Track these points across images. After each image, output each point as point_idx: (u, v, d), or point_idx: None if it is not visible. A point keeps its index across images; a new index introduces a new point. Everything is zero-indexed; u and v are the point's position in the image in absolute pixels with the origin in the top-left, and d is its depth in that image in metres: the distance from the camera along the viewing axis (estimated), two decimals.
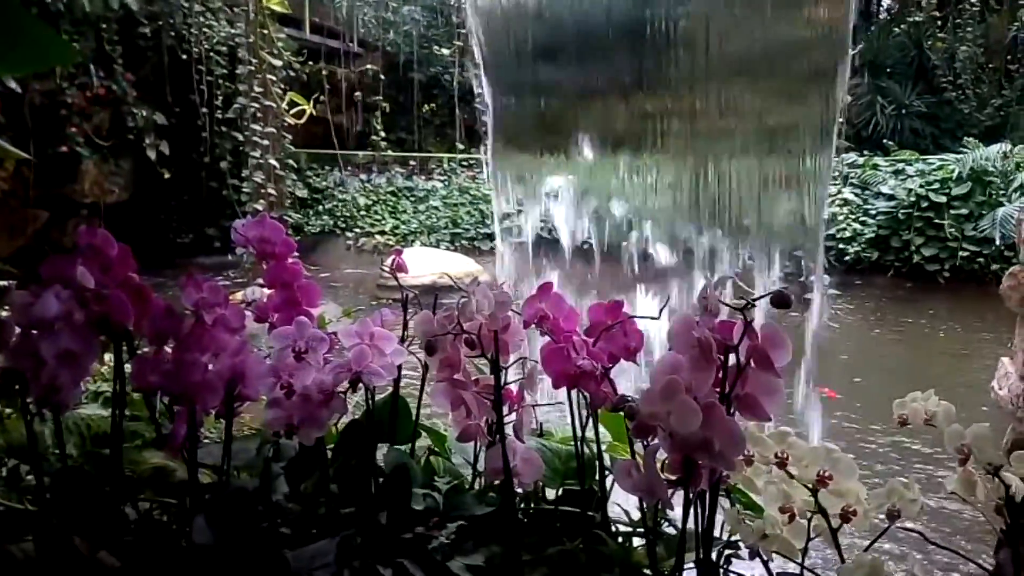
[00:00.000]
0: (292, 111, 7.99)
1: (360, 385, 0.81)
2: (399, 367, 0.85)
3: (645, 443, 0.65)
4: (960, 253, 8.04)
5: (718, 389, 0.62)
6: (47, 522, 0.81)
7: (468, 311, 0.71)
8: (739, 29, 1.68)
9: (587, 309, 0.79)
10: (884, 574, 0.65)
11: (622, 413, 0.63)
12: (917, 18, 11.66)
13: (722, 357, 0.61)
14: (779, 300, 0.60)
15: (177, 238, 9.16)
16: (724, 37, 1.66)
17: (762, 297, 0.61)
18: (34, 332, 0.74)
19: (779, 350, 0.62)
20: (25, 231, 7.29)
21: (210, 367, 0.75)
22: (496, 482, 0.82)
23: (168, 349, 0.77)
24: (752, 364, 0.62)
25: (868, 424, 4.07)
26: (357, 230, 9.77)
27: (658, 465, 0.64)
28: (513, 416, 0.80)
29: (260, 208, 7.76)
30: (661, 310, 0.75)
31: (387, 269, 0.96)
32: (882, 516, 0.70)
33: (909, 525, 0.69)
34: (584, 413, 0.81)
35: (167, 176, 8.45)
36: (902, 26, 11.83)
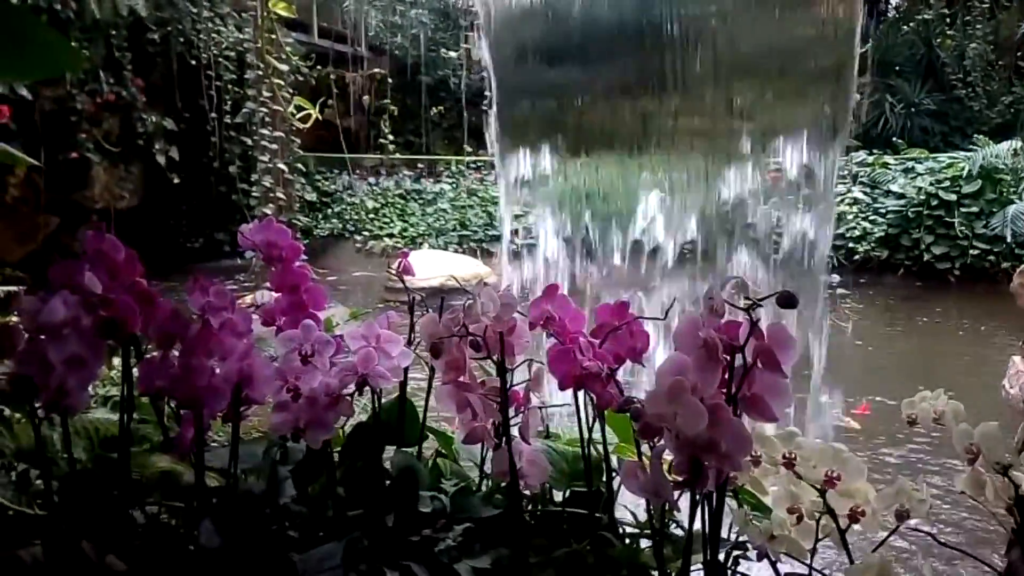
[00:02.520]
0: (299, 115, 8.01)
1: (367, 388, 0.81)
2: (406, 369, 0.85)
3: (652, 444, 0.65)
4: (970, 251, 8.00)
5: (724, 390, 0.61)
6: (55, 526, 0.82)
7: (473, 313, 0.71)
8: (746, 28, 1.68)
9: (594, 310, 0.79)
10: (892, 575, 0.65)
11: (628, 414, 0.63)
12: (926, 16, 11.60)
13: (728, 358, 0.61)
14: (785, 301, 0.60)
15: (187, 243, 9.20)
16: (731, 36, 1.66)
17: (768, 297, 0.61)
18: (42, 337, 0.74)
19: (786, 350, 0.61)
20: (36, 237, 7.33)
21: (216, 371, 0.75)
22: (503, 484, 0.82)
23: (176, 353, 0.77)
24: (759, 364, 0.61)
25: (876, 424, 4.05)
26: (366, 233, 9.79)
27: (664, 466, 0.64)
28: (520, 418, 0.80)
29: (269, 212, 7.79)
30: (667, 312, 0.75)
31: (393, 271, 0.96)
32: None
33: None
34: (591, 414, 0.81)
35: (177, 181, 8.49)
36: (911, 24, 11.77)
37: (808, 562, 0.71)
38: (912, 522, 0.68)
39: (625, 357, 0.74)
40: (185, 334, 0.74)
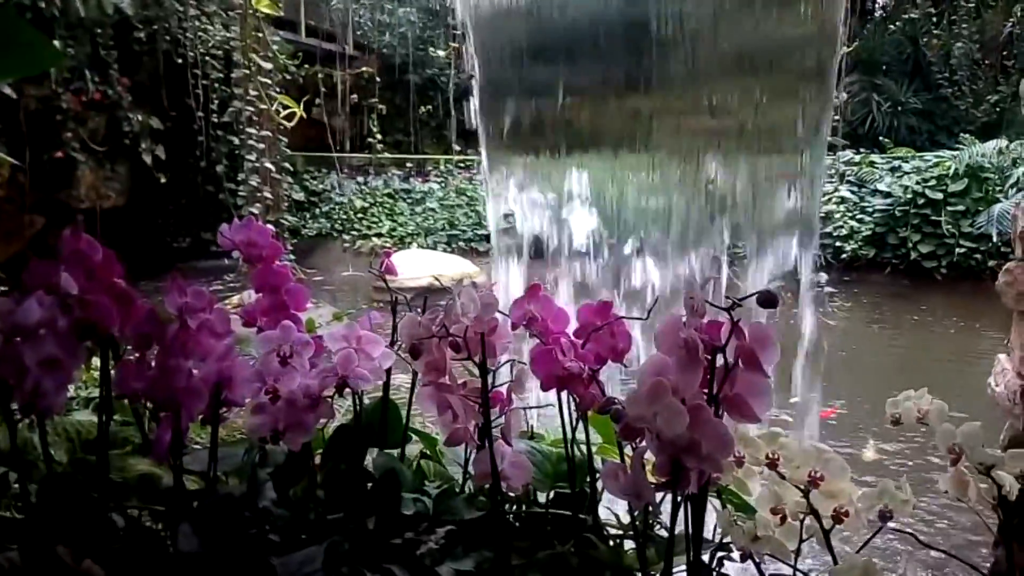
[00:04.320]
0: (283, 114, 7.98)
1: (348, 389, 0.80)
2: (388, 370, 0.84)
3: (634, 445, 0.65)
4: (957, 250, 8.05)
5: (706, 391, 0.61)
6: (33, 530, 0.80)
7: (453, 313, 0.70)
8: (731, 27, 1.67)
9: (577, 310, 0.78)
10: (877, 575, 0.64)
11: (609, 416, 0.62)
12: (913, 15, 11.66)
13: (709, 358, 0.60)
14: (766, 300, 0.59)
15: (174, 242, 9.16)
16: (716, 35, 1.66)
17: (749, 296, 0.60)
18: (17, 339, 0.73)
19: (767, 350, 0.61)
20: (21, 237, 7.27)
21: (195, 372, 0.74)
22: (487, 486, 0.81)
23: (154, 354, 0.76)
24: (740, 364, 0.61)
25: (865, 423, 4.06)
26: (354, 233, 9.76)
27: (647, 467, 0.64)
28: (502, 419, 0.79)
29: (256, 211, 7.74)
30: (649, 311, 0.74)
31: (375, 271, 0.95)
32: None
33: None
34: (575, 415, 0.80)
35: (163, 180, 8.44)
36: (897, 23, 11.83)
37: (792, 563, 0.71)
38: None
39: (607, 357, 0.74)
40: (162, 335, 0.73)
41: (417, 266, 6.25)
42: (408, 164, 10.95)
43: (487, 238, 9.15)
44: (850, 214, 8.66)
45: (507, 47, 1.78)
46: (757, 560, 0.71)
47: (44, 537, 0.78)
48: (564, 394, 0.77)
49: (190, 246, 9.17)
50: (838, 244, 8.52)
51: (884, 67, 11.55)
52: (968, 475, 0.68)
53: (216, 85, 8.83)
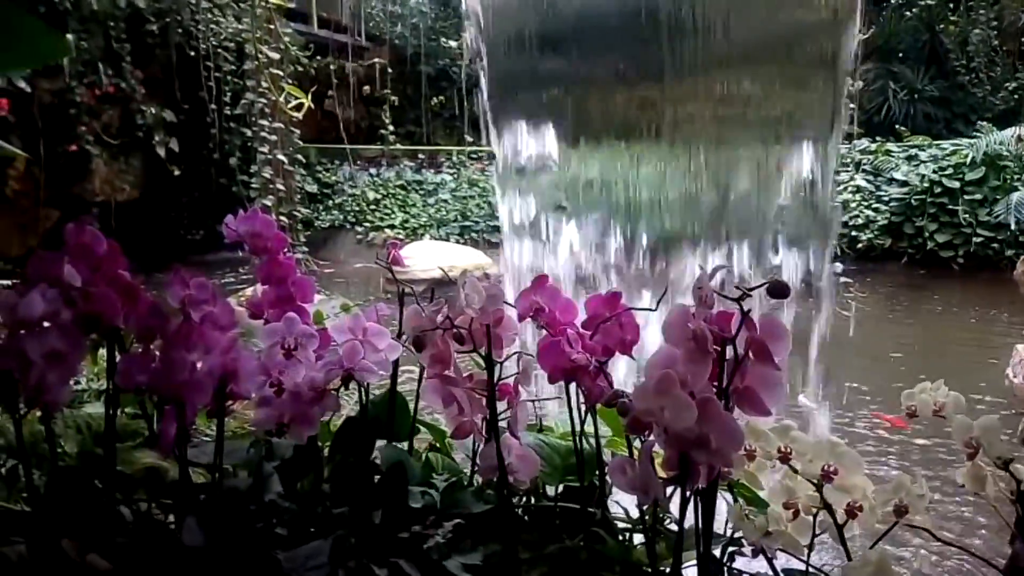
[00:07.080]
0: (291, 105, 7.97)
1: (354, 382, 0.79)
2: (395, 362, 0.83)
3: (643, 439, 0.63)
4: (974, 239, 7.96)
5: (715, 383, 0.59)
6: (39, 523, 0.80)
7: (458, 305, 0.69)
8: (744, 13, 1.65)
9: (585, 301, 0.77)
10: (891, 571, 0.63)
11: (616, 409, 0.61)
12: (929, 1, 11.51)
13: (719, 350, 0.59)
14: (776, 289, 0.58)
15: (188, 235, 9.18)
16: (729, 22, 1.63)
17: (759, 286, 0.59)
18: (21, 332, 0.73)
19: (779, 342, 0.60)
20: (36, 231, 7.31)
21: (199, 365, 0.73)
22: (495, 479, 0.80)
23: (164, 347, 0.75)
24: (751, 357, 0.59)
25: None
26: (367, 224, 9.77)
27: (656, 461, 0.62)
28: (509, 412, 0.78)
29: (269, 203, 7.76)
30: (659, 302, 0.73)
31: (382, 263, 0.94)
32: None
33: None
34: (583, 408, 0.79)
35: (177, 173, 8.47)
36: (914, 9, 11.68)
37: (805, 558, 0.69)
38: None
39: (615, 349, 0.72)
40: (165, 328, 0.72)
41: (429, 258, 6.25)
42: (420, 155, 10.94)
43: (499, 229, 9.14)
44: (866, 203, 8.59)
45: (514, 36, 1.76)
46: (769, 555, 0.70)
47: (51, 530, 0.77)
48: (573, 387, 0.76)
49: (204, 238, 9.19)
50: (854, 234, 8.45)
51: (900, 54, 11.42)
52: (985, 469, 0.67)
53: (228, 77, 8.84)
